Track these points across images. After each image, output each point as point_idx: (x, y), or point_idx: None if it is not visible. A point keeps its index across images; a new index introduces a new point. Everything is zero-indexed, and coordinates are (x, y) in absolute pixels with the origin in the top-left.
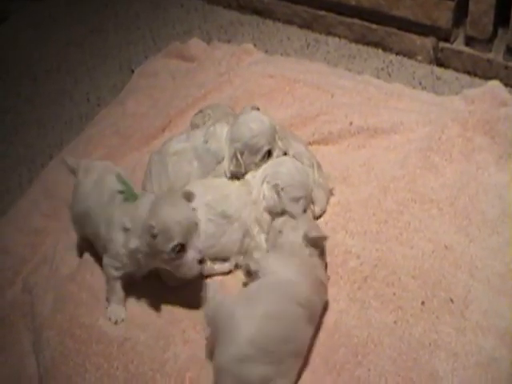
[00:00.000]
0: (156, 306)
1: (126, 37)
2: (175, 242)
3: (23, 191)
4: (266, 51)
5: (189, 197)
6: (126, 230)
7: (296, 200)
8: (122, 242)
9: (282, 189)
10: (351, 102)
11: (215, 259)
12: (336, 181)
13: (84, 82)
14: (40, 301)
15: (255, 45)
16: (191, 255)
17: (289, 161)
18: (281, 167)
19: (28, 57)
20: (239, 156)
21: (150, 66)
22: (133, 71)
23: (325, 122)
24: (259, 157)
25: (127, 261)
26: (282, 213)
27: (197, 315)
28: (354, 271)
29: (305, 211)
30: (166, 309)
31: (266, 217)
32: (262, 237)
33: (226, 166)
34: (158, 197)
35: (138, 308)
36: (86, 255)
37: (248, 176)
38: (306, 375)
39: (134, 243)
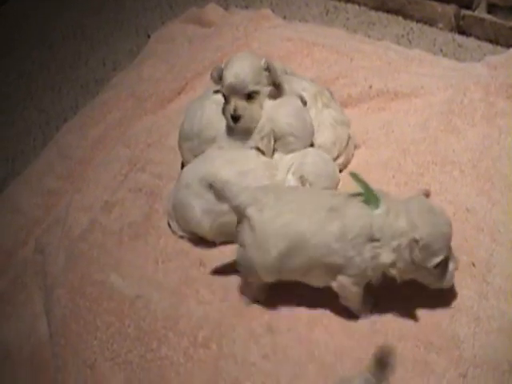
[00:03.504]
0: (169, 264)
1: (143, 3)
2: (440, 258)
3: (37, 154)
4: (284, 17)
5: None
6: (373, 240)
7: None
8: (370, 255)
9: (308, 180)
10: (371, 65)
11: (229, 235)
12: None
13: (100, 47)
14: (52, 260)
15: (273, 11)
16: (452, 266)
17: (314, 152)
18: (306, 158)
19: (44, 23)
20: (272, 139)
21: (167, 31)
22: (149, 36)
23: (344, 85)
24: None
25: (372, 273)
26: None
27: (212, 276)
28: None
29: None
30: (180, 267)
31: None
32: None
33: (255, 139)
34: (407, 200)
35: (151, 266)
36: (98, 216)
37: (276, 156)
38: (325, 339)
39: (389, 257)
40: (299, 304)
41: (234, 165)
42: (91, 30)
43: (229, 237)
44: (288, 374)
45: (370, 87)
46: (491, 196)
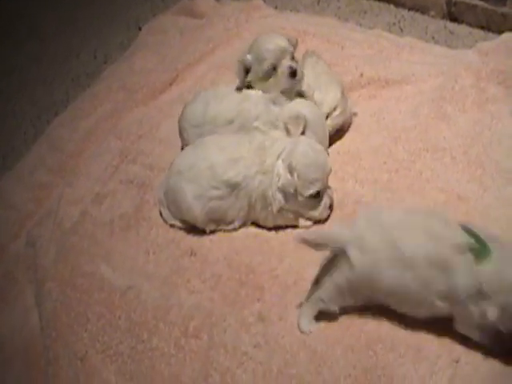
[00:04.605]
0: (160, 254)
1: None
2: None
3: (28, 148)
4: (276, 7)
5: None
6: (481, 294)
7: (310, 182)
8: (477, 313)
9: (296, 169)
10: (362, 53)
11: (219, 222)
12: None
13: (91, 40)
14: (43, 253)
15: (264, 1)
16: None
17: (306, 141)
18: (297, 146)
19: (37, 16)
20: (303, 123)
21: (158, 23)
22: (140, 29)
23: (335, 73)
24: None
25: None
26: (295, 193)
27: (203, 265)
28: None
29: (318, 194)
30: (171, 257)
31: (279, 197)
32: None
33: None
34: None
35: (142, 257)
36: (89, 208)
37: (267, 142)
38: (315, 327)
39: (494, 314)
40: (289, 292)
41: (225, 151)
42: (82, 23)
43: (219, 224)
44: (279, 362)
45: (361, 75)
46: (482, 182)
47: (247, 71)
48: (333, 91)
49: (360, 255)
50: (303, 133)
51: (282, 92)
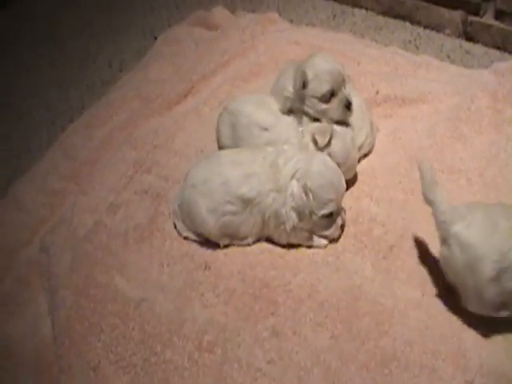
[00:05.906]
0: (174, 267)
1: (151, 3)
2: None
3: (42, 152)
4: (291, 21)
5: None
6: None
7: (325, 203)
8: None
9: (311, 190)
10: (378, 70)
11: (233, 237)
12: None
13: (107, 46)
14: (56, 261)
15: (280, 15)
16: None
17: (320, 158)
18: (312, 166)
19: (53, 20)
20: (329, 135)
21: (174, 34)
22: (156, 38)
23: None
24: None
25: None
26: (309, 213)
27: (216, 279)
28: (378, 240)
29: (331, 215)
30: (185, 270)
31: (293, 216)
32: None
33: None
34: None
35: (156, 269)
36: (104, 217)
37: (280, 160)
38: (327, 341)
39: None
40: (303, 306)
41: (240, 166)
42: (99, 28)
43: (233, 239)
44: (293, 379)
45: (377, 93)
46: None
47: (304, 85)
48: (364, 127)
49: (466, 229)
50: (329, 142)
51: (333, 121)
